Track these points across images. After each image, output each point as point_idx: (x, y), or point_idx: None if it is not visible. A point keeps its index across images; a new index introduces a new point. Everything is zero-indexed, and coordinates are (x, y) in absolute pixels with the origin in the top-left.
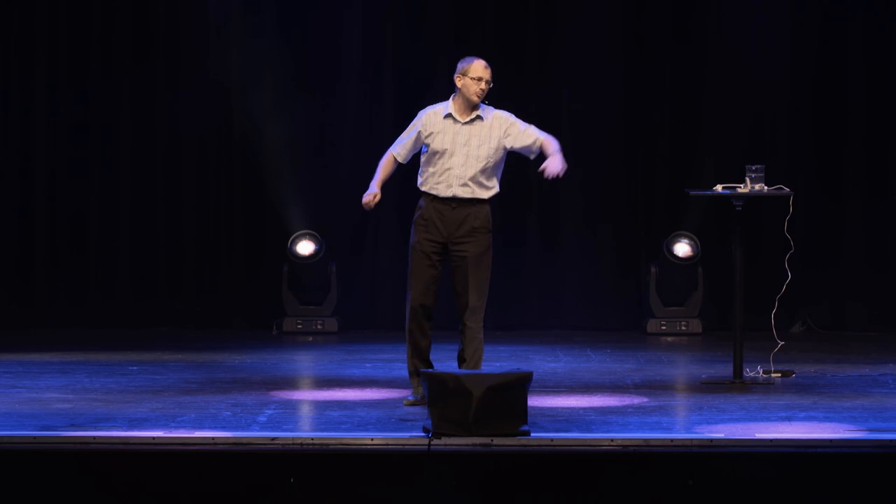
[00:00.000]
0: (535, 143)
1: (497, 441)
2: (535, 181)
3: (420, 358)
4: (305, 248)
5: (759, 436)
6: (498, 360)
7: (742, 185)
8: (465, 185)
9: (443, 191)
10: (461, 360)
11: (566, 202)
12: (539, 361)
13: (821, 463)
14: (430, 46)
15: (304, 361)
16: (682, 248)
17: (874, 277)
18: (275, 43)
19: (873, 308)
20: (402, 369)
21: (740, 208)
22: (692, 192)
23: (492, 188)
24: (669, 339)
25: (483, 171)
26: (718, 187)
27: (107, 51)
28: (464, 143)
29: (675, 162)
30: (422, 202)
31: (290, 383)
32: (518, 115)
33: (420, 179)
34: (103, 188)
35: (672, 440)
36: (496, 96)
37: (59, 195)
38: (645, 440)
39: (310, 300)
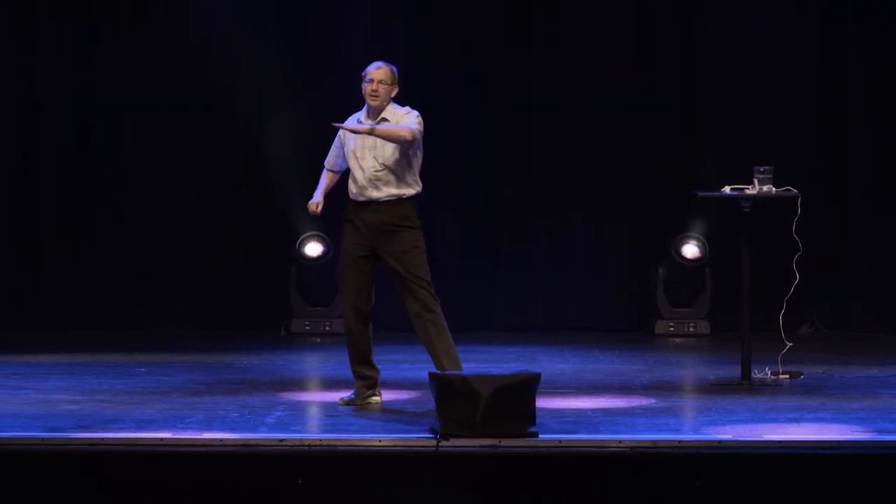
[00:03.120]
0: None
1: (505, 442)
2: (541, 182)
3: (358, 361)
4: (313, 249)
5: (767, 437)
6: (506, 361)
7: (750, 187)
8: (376, 187)
9: (357, 194)
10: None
11: (573, 204)
12: (547, 362)
13: (829, 464)
14: (431, 47)
15: (312, 363)
16: (691, 250)
17: (878, 279)
18: (276, 43)
19: (877, 309)
20: (409, 370)
21: (748, 210)
22: (700, 194)
23: (408, 186)
24: (677, 340)
25: (391, 171)
26: (726, 188)
27: (107, 50)
28: (371, 146)
29: (679, 163)
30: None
31: (298, 384)
32: (521, 117)
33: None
34: (105, 188)
35: (680, 441)
36: (498, 95)
37: (60, 195)
38: (653, 441)
39: (317, 301)
